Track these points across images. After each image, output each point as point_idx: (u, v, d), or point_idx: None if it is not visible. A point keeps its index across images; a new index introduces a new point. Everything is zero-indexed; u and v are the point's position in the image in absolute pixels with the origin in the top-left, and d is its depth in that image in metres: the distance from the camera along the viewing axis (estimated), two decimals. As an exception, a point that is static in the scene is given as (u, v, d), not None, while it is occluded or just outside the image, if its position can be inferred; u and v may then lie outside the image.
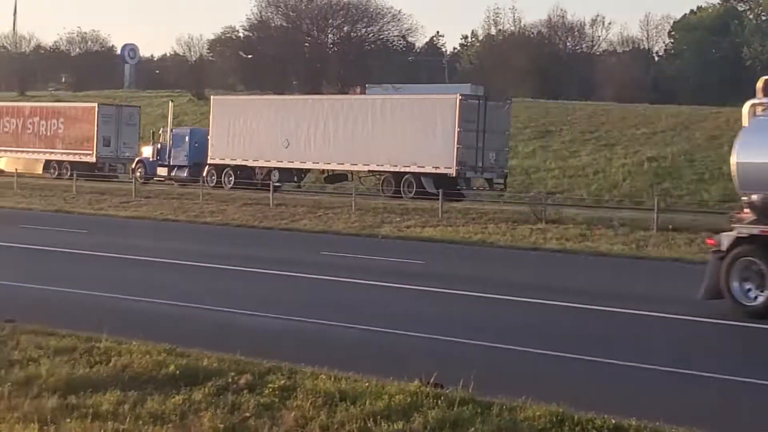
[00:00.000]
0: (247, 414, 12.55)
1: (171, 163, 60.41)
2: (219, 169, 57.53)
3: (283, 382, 13.45)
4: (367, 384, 13.35)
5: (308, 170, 57.04)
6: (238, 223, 43.92)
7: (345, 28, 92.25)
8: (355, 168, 53.78)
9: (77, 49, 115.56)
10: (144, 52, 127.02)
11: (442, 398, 12.74)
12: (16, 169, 63.27)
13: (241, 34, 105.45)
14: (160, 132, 62.52)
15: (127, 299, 21.57)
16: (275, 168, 55.65)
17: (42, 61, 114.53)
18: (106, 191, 54.32)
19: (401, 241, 38.81)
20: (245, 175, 56.00)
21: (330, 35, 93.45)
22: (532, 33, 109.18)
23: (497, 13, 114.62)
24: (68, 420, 12.11)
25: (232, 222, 44.38)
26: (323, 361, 14.47)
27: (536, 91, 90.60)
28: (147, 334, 15.96)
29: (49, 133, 67.16)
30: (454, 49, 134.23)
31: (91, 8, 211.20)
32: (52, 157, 67.02)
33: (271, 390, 13.18)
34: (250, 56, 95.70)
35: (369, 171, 53.91)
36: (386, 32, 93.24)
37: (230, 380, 13.57)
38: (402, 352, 17.15)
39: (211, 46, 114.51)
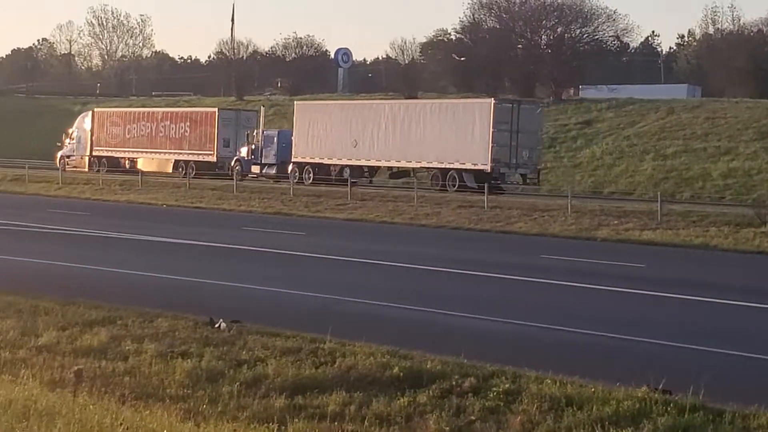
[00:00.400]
0: (473, 417, 12.50)
1: (262, 162, 65.49)
2: (300, 166, 62.53)
3: (507, 386, 13.35)
4: (593, 389, 13.14)
5: (376, 167, 61.46)
6: (453, 226, 43.89)
7: (559, 29, 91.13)
8: (410, 165, 58.83)
9: (292, 54, 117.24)
10: (357, 55, 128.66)
11: (671, 405, 12.45)
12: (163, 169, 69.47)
13: (453, 37, 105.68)
14: (254, 134, 67.08)
15: (348, 300, 21.76)
16: (346, 165, 60.65)
17: (259, 67, 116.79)
18: (322, 194, 55.01)
19: (620, 244, 38.18)
20: (322, 172, 61.31)
21: (543, 36, 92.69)
22: (752, 32, 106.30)
23: (715, 12, 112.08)
24: (296, 420, 12.25)
25: (448, 224, 44.36)
26: (546, 364, 14.30)
27: (757, 91, 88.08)
28: (369, 335, 16.01)
29: (177, 136, 72.70)
30: (670, 48, 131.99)
31: (306, 13, 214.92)
32: (180, 157, 72.34)
33: (495, 393, 13.10)
34: (462, 59, 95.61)
35: (421, 167, 58.40)
36: (601, 33, 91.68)
37: (454, 383, 13.53)
38: (625, 357, 16.85)
39: (423, 48, 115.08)
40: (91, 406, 11.50)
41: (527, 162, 55.97)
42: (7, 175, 70.75)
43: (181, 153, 72.20)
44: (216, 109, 73.70)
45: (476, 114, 55.61)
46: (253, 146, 66.16)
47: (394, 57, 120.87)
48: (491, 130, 54.38)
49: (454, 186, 54.96)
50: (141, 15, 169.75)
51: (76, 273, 25.52)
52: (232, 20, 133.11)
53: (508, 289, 25.23)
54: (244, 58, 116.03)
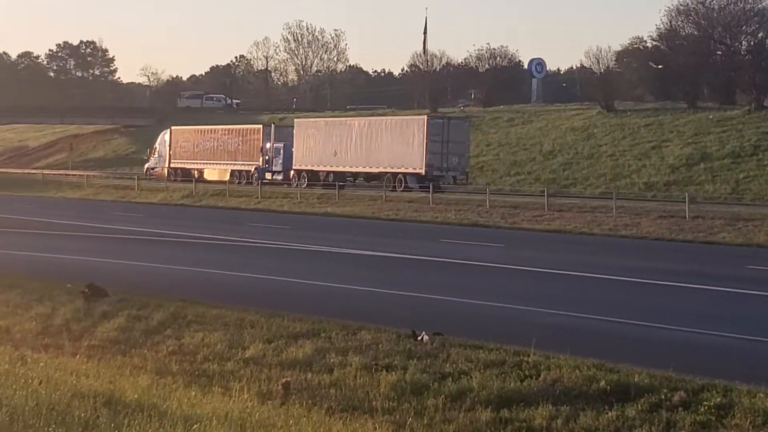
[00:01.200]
0: (684, 432, 12.24)
1: (273, 170, 77.14)
2: (299, 173, 73.74)
3: (718, 399, 13.02)
4: (809, 404, 12.71)
5: (356, 173, 71.91)
6: (654, 237, 43.19)
7: (760, 35, 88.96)
8: (372, 170, 69.70)
9: (486, 65, 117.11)
10: (551, 65, 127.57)
11: None
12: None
13: (649, 44, 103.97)
14: (267, 146, 78.03)
15: (549, 312, 21.53)
16: (330, 171, 71.47)
17: (452, 78, 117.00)
18: (518, 205, 54.81)
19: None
20: (315, 178, 72.09)
21: (743, 42, 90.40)
22: None
23: None
24: (503, 433, 12.16)
25: (648, 235, 43.64)
26: (757, 378, 13.91)
27: None
28: (573, 348, 15.79)
29: (232, 149, 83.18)
30: None
31: (499, 24, 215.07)
32: (235, 167, 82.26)
33: (706, 408, 12.78)
34: (660, 66, 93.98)
35: (380, 172, 68.48)
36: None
37: (663, 397, 13.24)
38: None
39: (619, 57, 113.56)
40: (304, 419, 11.61)
41: (457, 166, 67.47)
42: (209, 190, 72.61)
43: (235, 164, 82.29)
44: (260, 126, 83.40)
45: (415, 128, 67.25)
46: (267, 157, 78.03)
47: (588, 66, 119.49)
48: (426, 141, 65.93)
49: (401, 186, 65.67)
50: (335, 30, 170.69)
51: (277, 286, 25.92)
52: (425, 33, 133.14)
53: (714, 301, 24.64)
54: (438, 69, 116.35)
